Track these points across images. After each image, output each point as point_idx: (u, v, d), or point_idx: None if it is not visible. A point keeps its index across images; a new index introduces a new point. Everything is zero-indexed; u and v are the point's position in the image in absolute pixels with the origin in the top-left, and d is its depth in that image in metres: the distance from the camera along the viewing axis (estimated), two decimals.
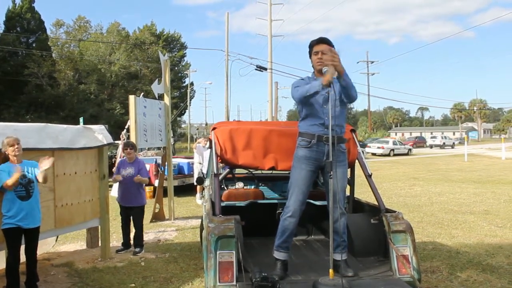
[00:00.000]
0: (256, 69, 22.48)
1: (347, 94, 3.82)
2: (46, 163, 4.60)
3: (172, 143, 10.38)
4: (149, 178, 6.97)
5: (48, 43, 40.85)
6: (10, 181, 4.38)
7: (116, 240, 7.14)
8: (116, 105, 42.11)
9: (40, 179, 4.62)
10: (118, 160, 7.01)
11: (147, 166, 12.26)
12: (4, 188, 4.42)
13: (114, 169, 7.12)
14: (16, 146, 4.47)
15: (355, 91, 3.85)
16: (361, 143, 17.04)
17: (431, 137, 58.87)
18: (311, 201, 4.70)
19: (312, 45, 4.01)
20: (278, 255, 3.93)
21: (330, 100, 3.64)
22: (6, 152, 4.47)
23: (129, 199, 6.62)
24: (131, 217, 6.69)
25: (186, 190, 12.70)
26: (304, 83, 3.98)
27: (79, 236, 7.44)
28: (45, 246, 6.44)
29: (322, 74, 3.86)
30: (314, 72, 4.05)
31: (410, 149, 39.93)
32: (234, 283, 3.49)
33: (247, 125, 4.86)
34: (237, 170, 5.54)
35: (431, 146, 54.32)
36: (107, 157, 6.48)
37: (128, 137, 9.84)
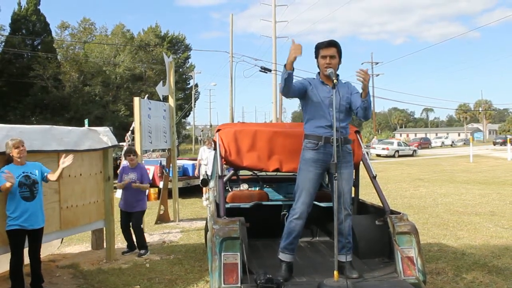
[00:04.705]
0: (260, 71, 22.51)
1: (365, 113, 3.87)
2: (67, 161, 4.65)
3: (176, 145, 10.40)
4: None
5: (53, 45, 41.01)
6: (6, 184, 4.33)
7: (121, 242, 7.15)
8: (121, 107, 42.25)
9: (54, 178, 4.69)
10: (122, 164, 7.00)
11: (152, 168, 12.40)
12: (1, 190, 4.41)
13: (118, 171, 7.12)
14: (20, 148, 4.50)
15: (370, 111, 3.91)
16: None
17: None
18: (316, 202, 4.69)
19: (319, 47, 3.93)
20: (284, 257, 3.92)
21: (334, 102, 3.64)
22: (11, 154, 4.50)
23: (131, 205, 6.58)
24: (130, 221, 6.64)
25: (190, 191, 12.71)
26: (305, 82, 3.98)
27: (84, 237, 7.46)
28: (50, 248, 6.46)
29: (328, 78, 3.85)
30: (319, 73, 4.03)
31: (415, 150, 39.75)
32: (239, 284, 3.49)
33: (252, 127, 4.85)
34: (242, 172, 5.54)
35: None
36: (112, 159, 6.50)
37: (133, 139, 9.87)
